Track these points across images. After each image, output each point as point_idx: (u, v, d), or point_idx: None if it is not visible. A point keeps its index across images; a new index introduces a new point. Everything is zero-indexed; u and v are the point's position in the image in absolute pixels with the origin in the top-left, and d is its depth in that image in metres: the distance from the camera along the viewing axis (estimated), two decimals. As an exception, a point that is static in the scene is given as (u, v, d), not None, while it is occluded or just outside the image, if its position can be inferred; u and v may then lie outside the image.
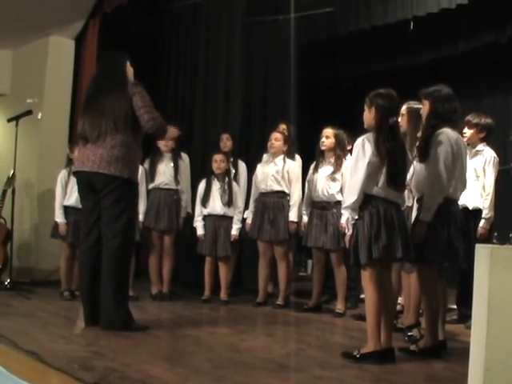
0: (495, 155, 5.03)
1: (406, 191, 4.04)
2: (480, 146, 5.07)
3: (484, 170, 4.99)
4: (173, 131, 5.24)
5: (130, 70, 4.54)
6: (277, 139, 5.83)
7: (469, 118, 5.08)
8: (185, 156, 6.26)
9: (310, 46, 7.58)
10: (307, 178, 5.69)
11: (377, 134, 3.60)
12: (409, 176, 3.99)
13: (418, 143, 4.01)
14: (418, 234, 3.72)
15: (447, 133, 3.79)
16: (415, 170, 3.97)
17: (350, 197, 3.59)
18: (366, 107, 3.72)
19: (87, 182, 4.26)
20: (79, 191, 4.46)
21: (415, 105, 4.34)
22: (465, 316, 4.81)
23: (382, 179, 3.57)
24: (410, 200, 4.31)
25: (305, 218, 5.64)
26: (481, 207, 4.96)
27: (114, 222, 4.17)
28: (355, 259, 3.58)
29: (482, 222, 4.91)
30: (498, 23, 6.86)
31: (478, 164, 5.03)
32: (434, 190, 3.73)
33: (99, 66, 4.79)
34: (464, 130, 5.02)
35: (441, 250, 3.72)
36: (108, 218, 4.19)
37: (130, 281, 4.89)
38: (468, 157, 5.03)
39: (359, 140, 3.64)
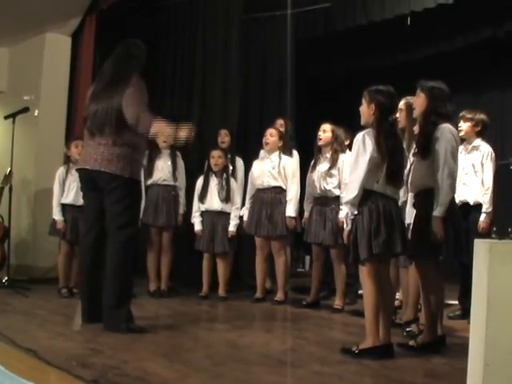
0: (492, 150, 5.04)
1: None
2: (477, 141, 5.07)
3: (482, 165, 4.99)
4: (162, 128, 4.18)
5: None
6: (272, 135, 5.81)
7: (463, 113, 5.09)
8: (177, 153, 6.18)
9: (308, 42, 7.57)
10: (307, 176, 5.68)
11: (377, 131, 3.60)
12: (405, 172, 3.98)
13: (416, 139, 3.99)
14: (437, 230, 3.66)
15: (449, 128, 3.79)
16: (414, 166, 3.96)
17: (350, 192, 3.59)
18: (364, 101, 3.72)
19: (90, 180, 4.24)
20: (81, 188, 4.46)
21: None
22: (468, 311, 4.79)
23: (381, 176, 3.57)
24: (405, 195, 4.31)
25: (305, 215, 5.64)
26: (481, 202, 4.95)
27: (118, 218, 4.13)
28: (354, 255, 3.58)
29: (482, 217, 4.91)
30: (495, 18, 6.85)
31: (475, 159, 5.03)
32: (447, 184, 3.69)
33: (116, 52, 4.40)
34: (460, 124, 5.03)
35: (452, 245, 3.72)
36: (112, 214, 4.17)
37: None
38: (464, 152, 5.06)
39: (359, 135, 3.64)
